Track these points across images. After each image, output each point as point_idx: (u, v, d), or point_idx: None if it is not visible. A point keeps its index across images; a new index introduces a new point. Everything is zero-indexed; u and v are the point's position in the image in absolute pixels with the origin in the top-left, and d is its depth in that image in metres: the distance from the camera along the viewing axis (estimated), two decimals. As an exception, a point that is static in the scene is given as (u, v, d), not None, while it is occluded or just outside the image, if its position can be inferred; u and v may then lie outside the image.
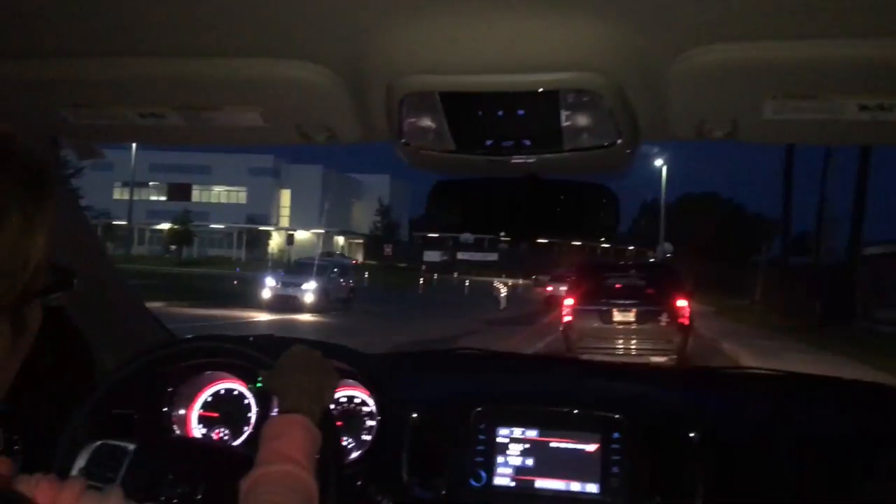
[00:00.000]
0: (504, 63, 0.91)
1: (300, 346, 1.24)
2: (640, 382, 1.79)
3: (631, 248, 62.97)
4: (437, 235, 61.27)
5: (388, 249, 52.22)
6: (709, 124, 1.04)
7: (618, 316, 10.22)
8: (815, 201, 25.33)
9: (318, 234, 53.83)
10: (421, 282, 33.53)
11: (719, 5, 0.79)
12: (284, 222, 58.00)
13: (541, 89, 0.93)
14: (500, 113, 1.01)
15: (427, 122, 1.05)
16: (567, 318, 10.57)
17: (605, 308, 10.29)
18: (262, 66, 0.98)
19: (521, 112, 1.01)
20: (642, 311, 10.17)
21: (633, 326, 10.21)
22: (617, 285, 10.60)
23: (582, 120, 1.01)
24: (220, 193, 57.40)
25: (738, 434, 1.49)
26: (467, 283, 33.97)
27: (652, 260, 23.17)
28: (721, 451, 1.42)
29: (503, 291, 25.29)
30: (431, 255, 54.73)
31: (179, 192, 56.33)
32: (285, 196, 58.35)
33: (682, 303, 10.16)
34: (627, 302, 10.24)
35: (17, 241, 0.54)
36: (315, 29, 0.89)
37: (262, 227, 55.01)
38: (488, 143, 1.08)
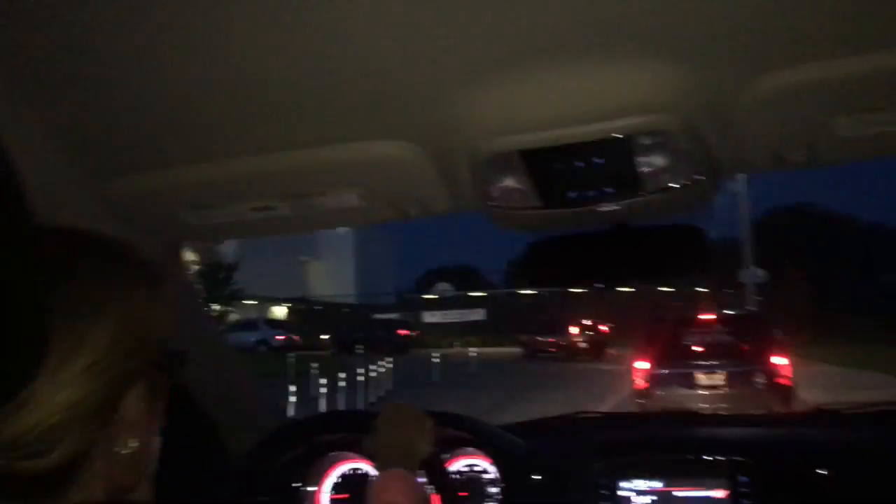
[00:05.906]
0: (576, 115, 0.94)
1: (389, 406, 1.32)
2: (755, 426, 1.77)
3: (701, 289, 45.79)
4: (434, 297, 45.79)
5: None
6: (785, 151, 1.03)
7: (703, 379, 8.40)
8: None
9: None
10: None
11: (775, 32, 0.81)
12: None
13: (614, 135, 0.95)
14: (580, 164, 1.02)
15: (511, 183, 1.07)
16: (640, 385, 8.77)
17: (686, 371, 8.52)
18: (357, 149, 1.04)
19: (598, 161, 1.01)
20: (733, 373, 8.37)
21: (723, 391, 8.28)
22: (697, 342, 8.80)
23: (658, 161, 1.01)
24: None
25: (867, 469, 1.46)
26: (386, 365, 15.87)
27: (733, 312, 13.11)
28: (852, 487, 1.40)
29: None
30: (431, 316, 39.28)
31: None
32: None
33: (779, 360, 8.38)
34: (713, 363, 8.49)
35: (142, 317, 0.66)
36: (400, 108, 0.96)
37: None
38: (572, 195, 1.08)
